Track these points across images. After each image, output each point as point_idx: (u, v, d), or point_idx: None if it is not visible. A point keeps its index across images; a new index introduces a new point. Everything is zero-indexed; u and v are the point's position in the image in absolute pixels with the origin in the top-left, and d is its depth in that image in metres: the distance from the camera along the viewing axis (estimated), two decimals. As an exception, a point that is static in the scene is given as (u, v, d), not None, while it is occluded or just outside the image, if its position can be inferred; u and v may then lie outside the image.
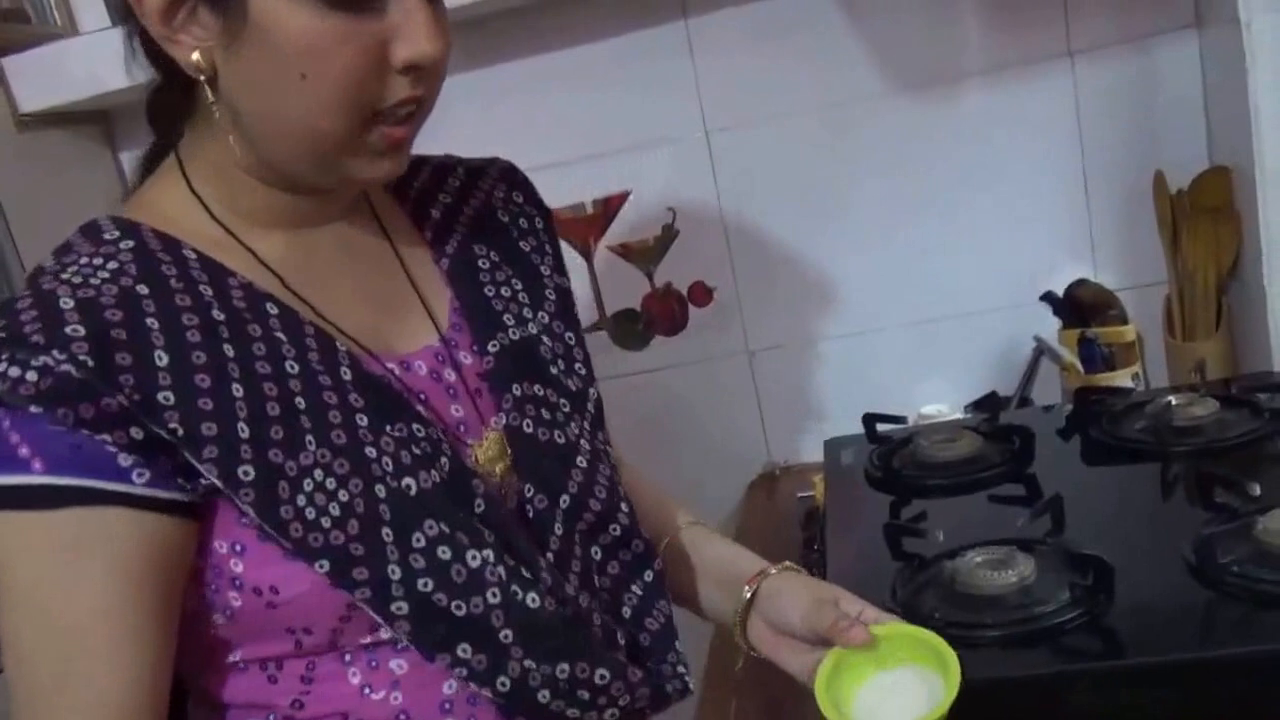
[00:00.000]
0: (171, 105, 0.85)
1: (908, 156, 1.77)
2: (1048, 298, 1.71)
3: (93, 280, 0.75)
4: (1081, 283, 1.69)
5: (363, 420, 0.80)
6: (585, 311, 1.90)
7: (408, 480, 0.80)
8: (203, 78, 0.77)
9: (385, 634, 0.80)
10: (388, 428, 0.81)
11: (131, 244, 0.79)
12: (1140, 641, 0.93)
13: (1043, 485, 1.31)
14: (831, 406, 1.88)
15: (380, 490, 0.78)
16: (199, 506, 0.76)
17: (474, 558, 0.80)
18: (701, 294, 1.89)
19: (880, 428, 1.55)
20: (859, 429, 1.55)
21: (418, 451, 0.81)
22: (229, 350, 0.77)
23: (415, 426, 0.83)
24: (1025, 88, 1.71)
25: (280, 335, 0.80)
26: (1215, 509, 1.09)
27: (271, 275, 0.84)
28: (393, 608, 0.78)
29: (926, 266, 1.80)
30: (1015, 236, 1.76)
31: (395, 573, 0.77)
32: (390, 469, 0.79)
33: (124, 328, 0.73)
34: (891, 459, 1.46)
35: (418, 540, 0.79)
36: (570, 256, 1.86)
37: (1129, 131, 1.69)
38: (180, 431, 0.72)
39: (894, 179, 1.78)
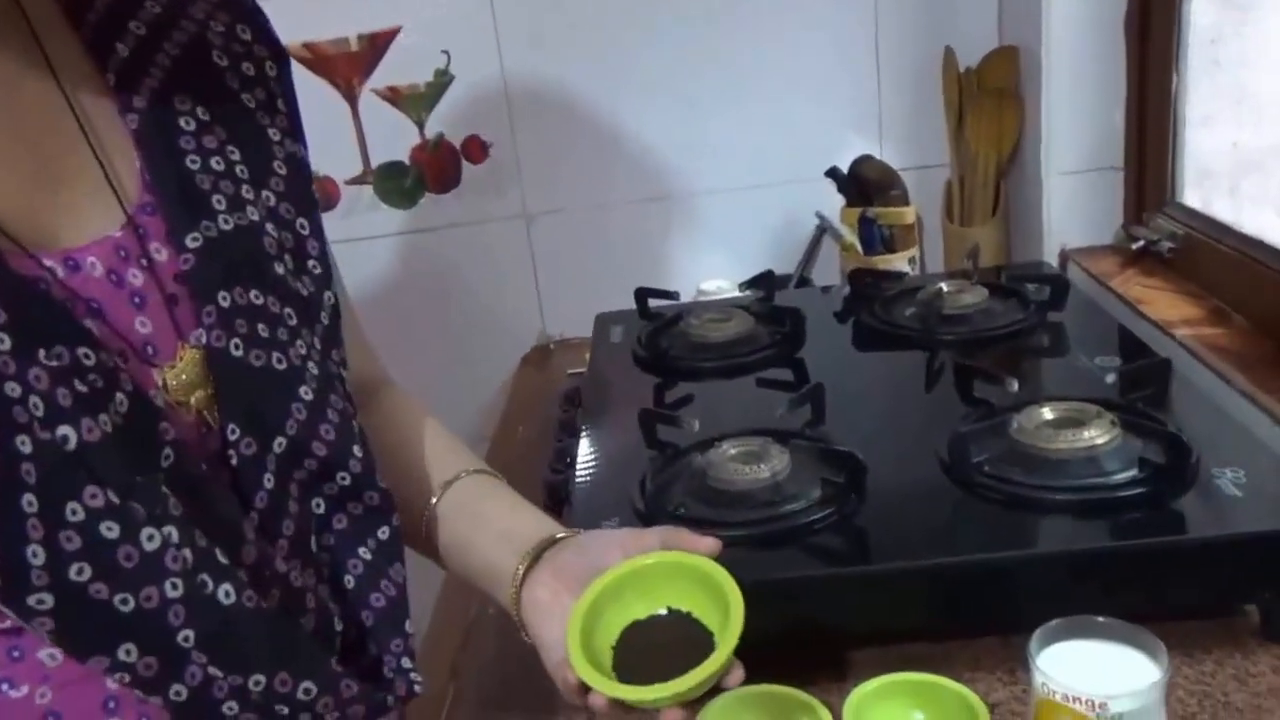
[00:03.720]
0: None
1: (702, 23, 1.68)
2: (832, 173, 1.67)
3: None
4: (866, 159, 1.65)
5: (3, 344, 0.59)
6: (349, 162, 1.77)
7: (64, 430, 0.59)
8: None
9: None
10: (40, 354, 0.60)
11: None
12: (887, 545, 0.91)
13: (811, 370, 1.28)
14: (610, 278, 1.79)
15: (23, 443, 0.58)
16: None
17: (151, 537, 0.62)
18: (477, 149, 1.78)
19: (653, 303, 1.49)
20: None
21: (82, 388, 0.61)
22: None
23: (81, 352, 0.61)
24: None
25: None
26: (974, 403, 1.08)
27: None
28: (31, 601, 0.59)
29: (714, 136, 1.74)
30: (805, 109, 1.71)
31: (37, 556, 0.59)
32: (40, 413, 0.59)
33: None
34: (660, 337, 1.41)
35: (73, 513, 0.59)
36: (332, 99, 1.73)
37: (922, 6, 1.65)
38: None
39: (686, 45, 1.70)
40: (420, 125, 1.76)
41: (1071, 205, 1.50)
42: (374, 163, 1.78)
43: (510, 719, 0.91)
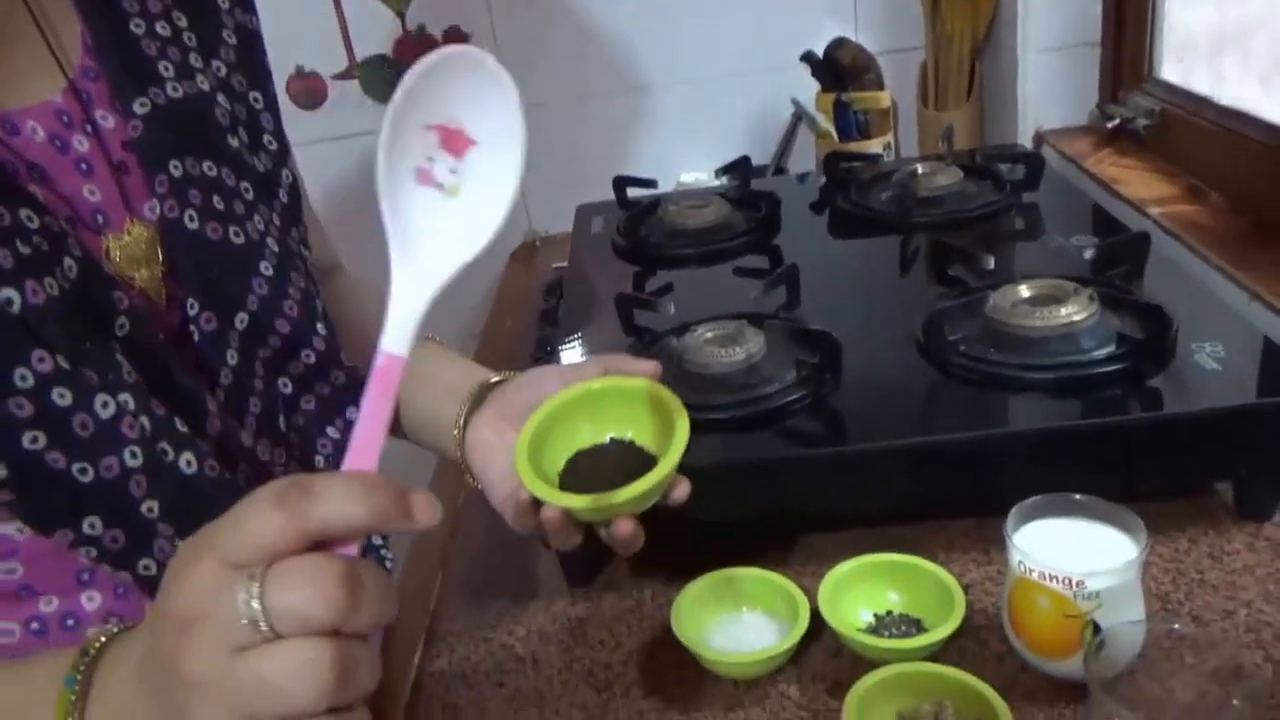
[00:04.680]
0: None
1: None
2: (807, 57, 1.57)
3: None
4: (841, 43, 1.55)
5: None
6: (335, 58, 1.68)
7: (8, 292, 0.55)
8: None
9: None
10: None
11: None
12: (863, 426, 0.85)
13: (786, 256, 1.21)
14: (594, 171, 1.70)
15: None
16: None
17: (105, 404, 0.58)
18: (457, 40, 1.67)
19: (632, 193, 1.41)
20: (616, 194, 1.41)
21: (25, 250, 0.56)
22: None
23: (24, 214, 0.57)
24: None
25: None
26: (950, 284, 1.01)
27: None
28: None
29: (690, 25, 1.65)
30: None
31: None
32: None
33: None
34: (639, 226, 1.33)
35: (22, 379, 0.55)
36: None
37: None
38: None
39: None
40: (401, 16, 1.66)
41: (1047, 84, 1.41)
42: (358, 56, 1.68)
43: (497, 604, 0.87)
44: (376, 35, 1.67)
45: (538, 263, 1.68)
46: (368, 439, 0.46)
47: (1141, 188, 1.20)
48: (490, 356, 1.36)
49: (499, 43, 1.66)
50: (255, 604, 0.40)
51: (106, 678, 0.48)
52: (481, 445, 0.76)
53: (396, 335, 0.47)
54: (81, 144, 0.63)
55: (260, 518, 0.42)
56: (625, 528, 0.66)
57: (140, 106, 0.66)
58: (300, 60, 1.67)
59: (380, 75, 1.69)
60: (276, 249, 0.72)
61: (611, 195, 1.42)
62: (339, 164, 1.65)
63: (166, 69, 0.69)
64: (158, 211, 0.65)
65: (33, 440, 0.56)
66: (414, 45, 1.67)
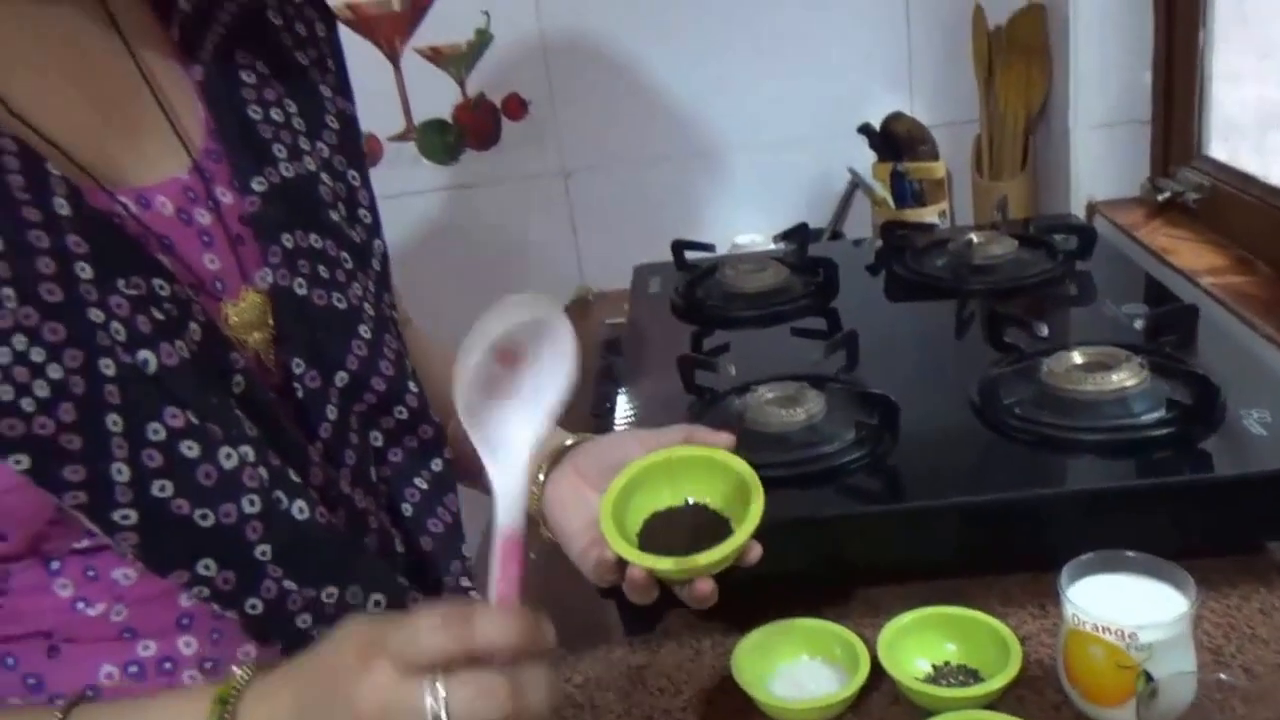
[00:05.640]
0: None
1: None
2: (864, 129, 1.65)
3: None
4: (897, 116, 1.63)
5: (85, 272, 0.60)
6: (392, 120, 1.77)
7: (144, 354, 0.61)
8: None
9: (106, 539, 0.63)
10: (120, 283, 0.61)
11: None
12: (920, 484, 0.90)
13: (844, 320, 1.27)
14: (647, 232, 1.77)
15: (107, 366, 0.60)
16: None
17: (229, 456, 0.64)
18: (516, 107, 1.76)
19: (690, 255, 1.49)
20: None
21: (159, 316, 0.62)
22: None
23: (157, 282, 0.63)
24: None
25: None
26: (1005, 349, 1.07)
27: None
28: (115, 516, 0.60)
29: (748, 92, 1.72)
30: (837, 67, 1.69)
31: (122, 473, 0.60)
32: (121, 338, 0.61)
33: None
34: (697, 288, 1.40)
35: (155, 432, 0.61)
36: (375, 58, 1.73)
37: (953, -38, 1.62)
38: None
39: (722, 3, 1.67)
40: (461, 84, 1.75)
41: (1098, 158, 1.48)
42: (416, 120, 1.77)
43: (556, 651, 0.91)
44: (435, 100, 1.76)
45: (590, 318, 1.74)
46: (507, 591, 0.56)
47: (1192, 258, 1.26)
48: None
49: (557, 108, 1.75)
50: (439, 702, 0.51)
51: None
52: (559, 502, 0.83)
53: (509, 512, 0.58)
54: (204, 218, 0.70)
55: (433, 630, 0.52)
56: (704, 587, 0.73)
57: (257, 185, 0.73)
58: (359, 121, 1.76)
59: (437, 138, 1.78)
60: (372, 313, 0.78)
61: (668, 256, 1.49)
62: (393, 221, 1.72)
63: (279, 151, 0.76)
64: (270, 280, 0.72)
65: (161, 489, 0.61)
66: (473, 111, 1.76)
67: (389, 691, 0.52)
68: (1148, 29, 1.41)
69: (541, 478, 0.85)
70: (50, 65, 0.66)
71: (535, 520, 0.85)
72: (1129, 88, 1.44)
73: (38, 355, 0.58)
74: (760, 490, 0.74)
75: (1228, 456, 0.85)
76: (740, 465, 0.76)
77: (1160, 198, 1.38)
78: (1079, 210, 1.49)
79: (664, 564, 0.71)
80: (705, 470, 0.77)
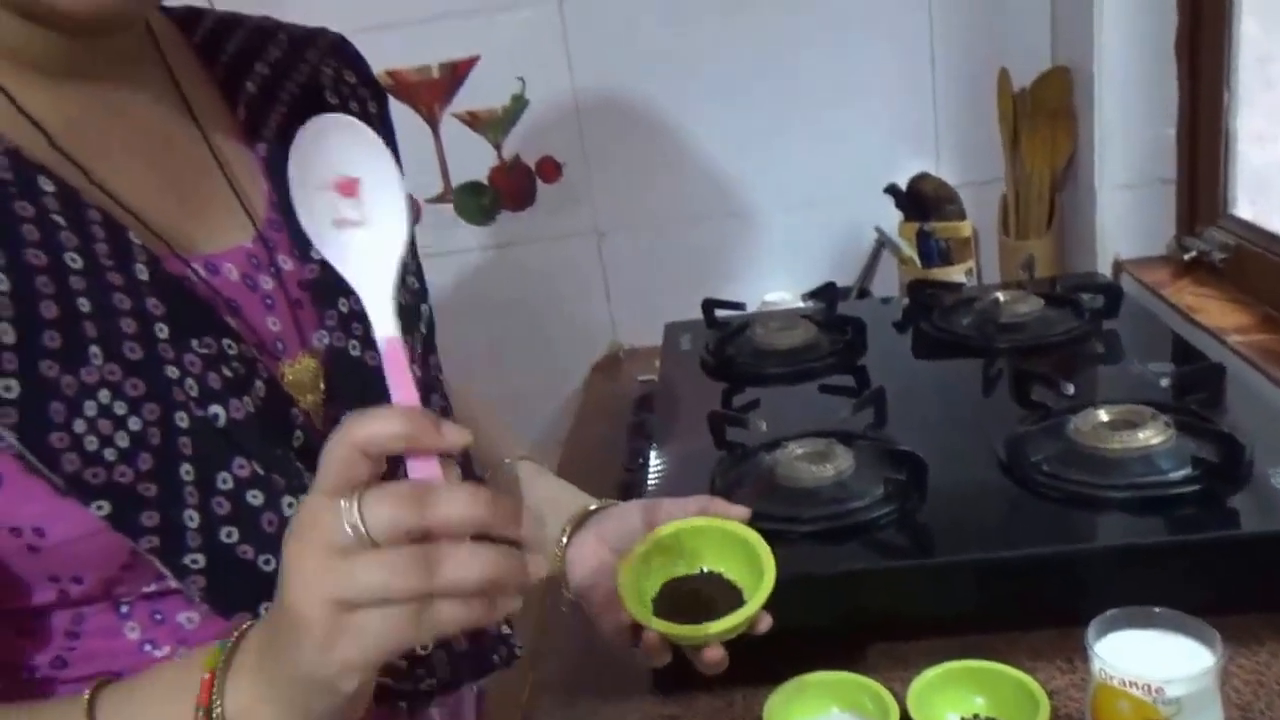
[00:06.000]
0: None
1: (761, 43, 1.71)
2: (891, 190, 1.68)
3: None
4: (924, 176, 1.67)
5: (162, 332, 0.65)
6: (430, 182, 1.82)
7: (215, 408, 0.66)
8: None
9: (173, 583, 0.67)
10: (193, 343, 0.67)
11: None
12: (948, 539, 0.92)
13: (872, 376, 1.30)
14: (678, 290, 1.81)
15: (181, 419, 0.65)
16: None
17: (290, 505, 0.69)
18: (551, 169, 1.81)
19: (720, 313, 1.52)
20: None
21: (228, 373, 0.68)
22: None
23: (226, 342, 0.69)
24: (878, -21, 1.66)
25: (58, 219, 0.64)
26: (1031, 406, 1.09)
27: (39, 134, 0.67)
28: (186, 560, 0.65)
29: (776, 154, 1.76)
30: (864, 128, 1.73)
31: (193, 519, 0.65)
32: (194, 394, 0.66)
33: None
34: (727, 345, 1.43)
35: (223, 482, 0.66)
36: (415, 123, 1.78)
37: (977, 28, 1.66)
38: None
39: (746, 65, 1.72)
40: (498, 147, 1.81)
41: (1124, 217, 1.50)
42: (454, 182, 1.83)
43: (588, 703, 0.94)
44: (472, 162, 1.81)
45: (622, 374, 1.78)
46: (408, 395, 0.59)
47: (1219, 316, 1.27)
48: (575, 464, 1.45)
49: (590, 170, 1.79)
50: (355, 515, 0.52)
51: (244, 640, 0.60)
52: (581, 564, 0.88)
53: (382, 323, 0.61)
54: (267, 283, 0.76)
55: (336, 454, 0.54)
56: (714, 654, 0.77)
57: (315, 254, 0.78)
58: (399, 184, 1.82)
59: (474, 200, 1.83)
60: (419, 373, 0.82)
61: (699, 313, 1.52)
62: (430, 280, 1.77)
63: None
64: (326, 341, 0.77)
65: (228, 535, 0.66)
66: (508, 173, 1.81)
67: (310, 513, 0.54)
68: (1172, 90, 1.43)
69: (564, 540, 0.89)
70: (132, 144, 0.72)
71: (557, 580, 0.89)
72: (1154, 148, 1.47)
73: (120, 409, 0.62)
74: (772, 564, 0.77)
75: (1255, 514, 0.87)
76: (754, 538, 0.80)
77: (1186, 256, 1.41)
78: (1106, 269, 1.52)
79: (677, 630, 0.76)
80: (721, 541, 0.82)
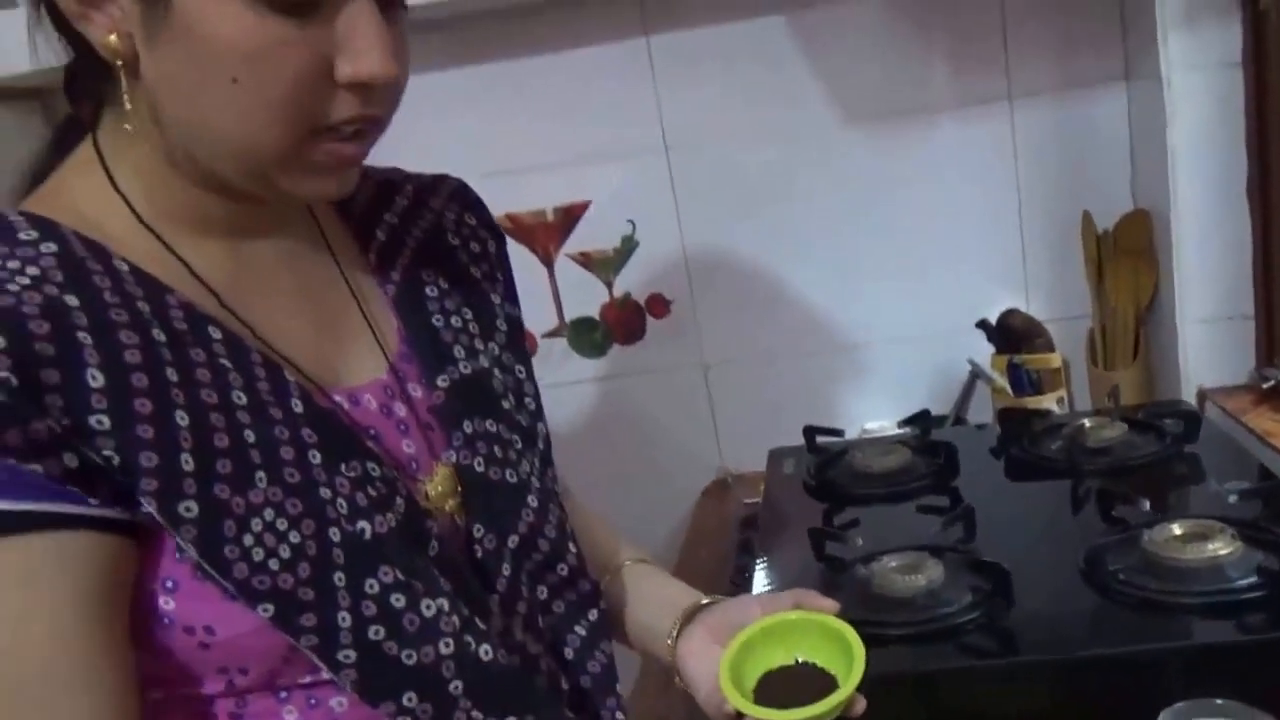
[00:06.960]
0: (92, 85, 0.75)
1: (858, 186, 1.83)
2: (982, 325, 1.80)
3: (10, 286, 0.64)
4: (1013, 312, 1.78)
5: (315, 458, 0.74)
6: (546, 317, 1.96)
7: (362, 524, 0.74)
8: (120, 63, 0.69)
9: (326, 674, 0.74)
10: (342, 467, 0.75)
11: (54, 248, 0.69)
12: (1030, 641, 1.02)
13: (965, 496, 1.40)
14: (781, 419, 1.90)
15: (334, 534, 0.73)
16: (140, 529, 0.69)
17: (428, 607, 0.76)
18: (659, 306, 1.95)
19: (820, 440, 1.64)
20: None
21: (373, 493, 0.76)
22: (172, 375, 0.69)
23: (370, 465, 0.77)
24: (968, 128, 1.79)
25: (225, 362, 0.73)
26: (1113, 522, 1.19)
27: (208, 293, 0.76)
28: (339, 655, 0.73)
29: (873, 290, 1.88)
30: (955, 267, 1.84)
31: (345, 620, 0.73)
32: (344, 511, 0.74)
33: (51, 342, 0.64)
34: (828, 469, 1.54)
35: (371, 587, 0.74)
36: (531, 262, 1.93)
37: (1061, 173, 1.78)
38: (116, 460, 0.65)
39: (845, 206, 1.84)
40: (609, 285, 1.94)
41: (1206, 349, 1.59)
42: (568, 318, 1.97)
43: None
44: (585, 299, 1.96)
45: (729, 498, 1.89)
46: None
47: (1297, 441, 1.36)
48: (687, 581, 1.54)
49: (696, 306, 1.93)
50: None
51: None
52: (691, 656, 0.96)
53: None
54: (400, 410, 0.85)
55: None
56: None
57: (441, 381, 0.88)
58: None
59: (587, 335, 1.98)
60: (538, 485, 0.93)
61: (801, 440, 1.64)
62: (546, 410, 1.90)
63: (459, 352, 0.90)
64: (454, 460, 0.86)
65: (375, 633, 0.74)
66: (619, 310, 1.96)
67: None
68: (1246, 229, 1.54)
69: (675, 633, 0.98)
70: (285, 290, 0.82)
71: (670, 670, 0.98)
72: (1232, 284, 1.56)
73: (281, 525, 0.71)
74: (862, 651, 0.85)
75: (1316, 619, 0.95)
76: (844, 628, 0.88)
77: (1265, 385, 1.50)
78: (1190, 397, 1.60)
79: (777, 715, 0.83)
80: (814, 632, 0.90)
